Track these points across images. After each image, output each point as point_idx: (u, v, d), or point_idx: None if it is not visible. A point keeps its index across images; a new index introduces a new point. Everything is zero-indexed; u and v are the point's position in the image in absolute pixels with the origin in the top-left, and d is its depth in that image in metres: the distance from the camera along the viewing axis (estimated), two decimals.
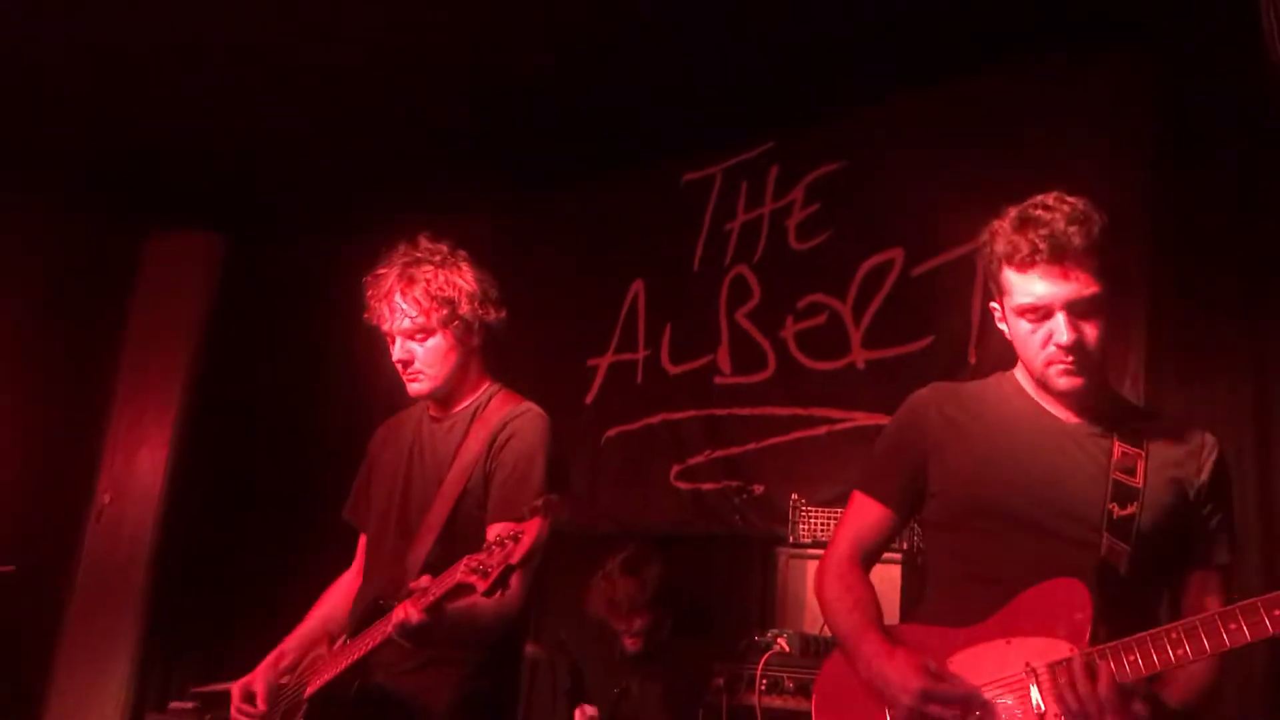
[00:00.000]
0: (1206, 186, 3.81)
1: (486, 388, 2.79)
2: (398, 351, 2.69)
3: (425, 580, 2.26)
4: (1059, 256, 2.09)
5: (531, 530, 2.11)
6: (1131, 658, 1.90)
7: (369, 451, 2.98)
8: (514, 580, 2.23)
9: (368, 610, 2.53)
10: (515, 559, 2.09)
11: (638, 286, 5.50)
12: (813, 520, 4.02)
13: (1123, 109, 4.08)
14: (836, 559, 2.35)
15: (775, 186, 5.12)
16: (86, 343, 6.23)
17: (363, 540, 2.93)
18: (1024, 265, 2.12)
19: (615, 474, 5.29)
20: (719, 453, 4.98)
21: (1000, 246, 2.17)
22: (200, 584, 5.78)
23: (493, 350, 2.84)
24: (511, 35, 4.50)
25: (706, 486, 4.99)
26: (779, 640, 3.49)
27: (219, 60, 4.72)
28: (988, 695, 2.03)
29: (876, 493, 2.38)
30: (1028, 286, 2.12)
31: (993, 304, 2.27)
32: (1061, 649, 1.97)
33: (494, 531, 2.52)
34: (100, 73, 4.88)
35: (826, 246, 4.89)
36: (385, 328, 2.71)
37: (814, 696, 2.32)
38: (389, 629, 2.28)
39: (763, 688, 3.32)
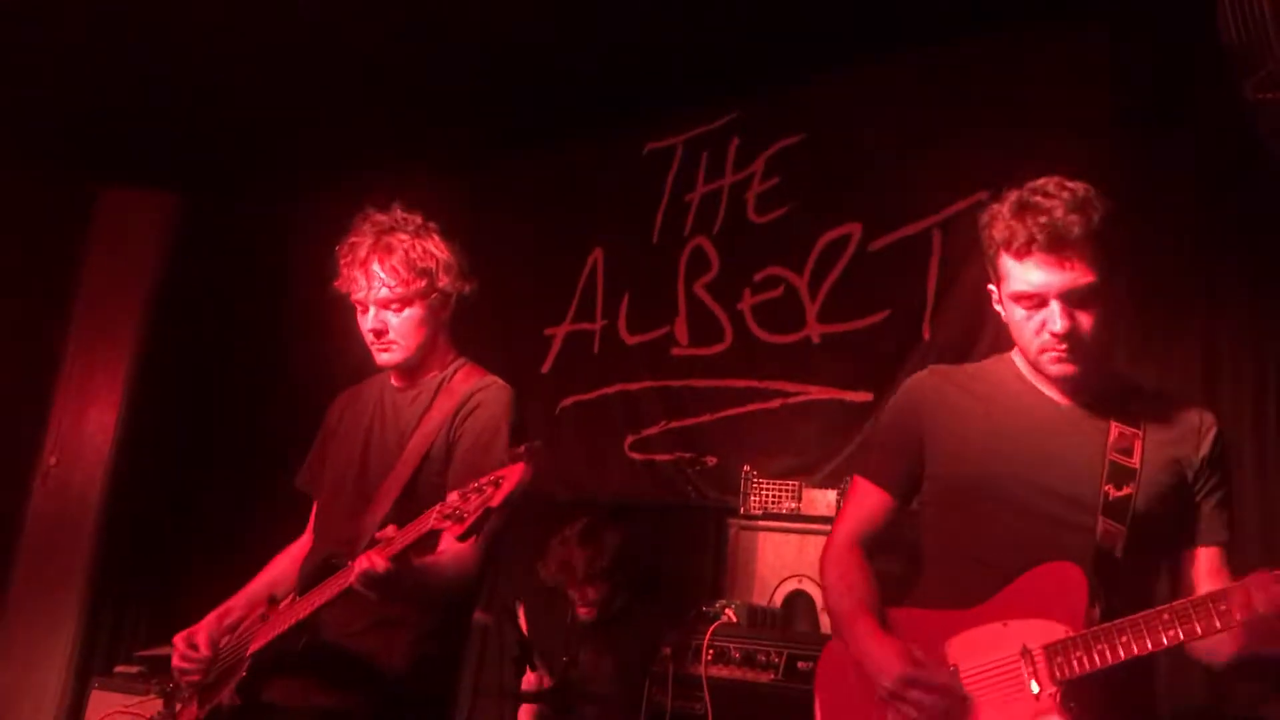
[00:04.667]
0: (1164, 161, 3.84)
1: (453, 360, 2.78)
2: (371, 321, 2.66)
3: (390, 530, 2.24)
4: (1056, 245, 2.07)
5: (514, 475, 2.07)
6: (1125, 639, 1.92)
7: (325, 422, 2.95)
8: (471, 542, 2.20)
9: (318, 568, 2.50)
10: (495, 502, 2.05)
11: (596, 255, 5.48)
12: (764, 492, 4.03)
13: (1082, 83, 4.10)
14: (837, 545, 2.37)
15: (736, 158, 5.11)
16: (35, 301, 6.11)
17: (315, 508, 2.90)
18: (1021, 252, 2.11)
19: (570, 443, 5.28)
20: (674, 424, 4.99)
21: (998, 232, 2.15)
22: (148, 548, 5.71)
23: (458, 322, 2.82)
24: None
25: (660, 457, 5.00)
26: (727, 611, 3.50)
27: (174, 11, 4.62)
28: (982, 676, 2.06)
29: (876, 477, 2.39)
30: (1023, 274, 2.11)
31: (990, 286, 2.27)
32: (1057, 631, 2.00)
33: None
34: (51, 24, 4.77)
35: (785, 219, 4.89)
36: (358, 296, 2.67)
37: (815, 677, 2.37)
38: (350, 579, 2.25)
39: (709, 658, 3.33)
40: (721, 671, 3.32)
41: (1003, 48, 4.35)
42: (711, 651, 3.33)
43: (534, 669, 4.01)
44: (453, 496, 2.15)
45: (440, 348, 2.76)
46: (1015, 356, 2.32)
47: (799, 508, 3.96)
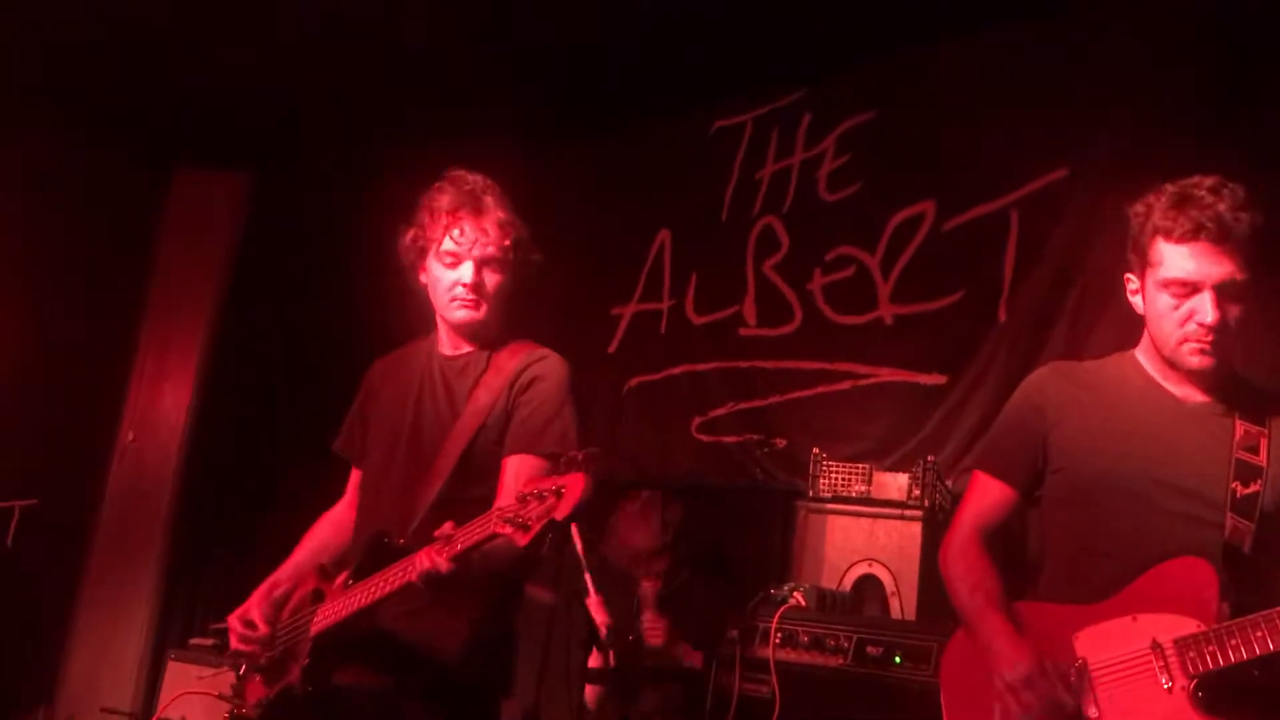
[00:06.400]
0: (1264, 136, 3.70)
1: (502, 331, 2.76)
2: (469, 274, 2.61)
3: (449, 527, 2.22)
4: (1220, 237, 2.12)
5: (576, 486, 2.04)
6: (1260, 634, 1.92)
7: (364, 385, 2.95)
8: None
9: (374, 548, 2.50)
10: (560, 516, 2.02)
11: (664, 235, 5.44)
12: (834, 475, 3.97)
13: (1166, 59, 3.97)
14: (960, 538, 2.40)
15: (807, 136, 5.04)
16: (113, 280, 6.23)
17: (355, 474, 2.90)
18: (1183, 239, 2.15)
19: (636, 423, 5.27)
20: (741, 405, 4.95)
21: (1158, 219, 2.19)
22: (222, 521, 5.80)
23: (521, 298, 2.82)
24: None
25: (728, 439, 4.96)
26: (795, 594, 3.45)
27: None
28: (1112, 671, 2.07)
29: (997, 471, 2.42)
30: (1182, 261, 2.15)
31: (1128, 275, 2.31)
32: (1189, 625, 2.01)
33: (512, 467, 2.51)
34: (131, 8, 4.84)
35: (857, 198, 4.81)
36: (450, 248, 2.62)
37: (940, 669, 2.43)
38: (412, 576, 2.25)
39: (777, 641, 3.29)
40: (789, 655, 3.27)
41: (1083, 23, 4.23)
42: (779, 635, 3.29)
43: (601, 650, 4.01)
44: (510, 499, 2.12)
45: (502, 316, 2.75)
46: (1140, 355, 2.35)
47: (869, 491, 3.89)
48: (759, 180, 5.15)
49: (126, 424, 6.15)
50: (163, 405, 6.13)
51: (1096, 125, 4.06)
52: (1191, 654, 1.98)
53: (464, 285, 2.61)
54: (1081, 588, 2.21)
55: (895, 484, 3.87)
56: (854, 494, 3.90)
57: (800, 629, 3.29)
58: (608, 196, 5.68)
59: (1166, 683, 1.99)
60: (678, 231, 5.41)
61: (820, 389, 4.70)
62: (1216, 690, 1.96)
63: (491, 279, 2.63)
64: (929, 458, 3.86)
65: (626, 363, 5.41)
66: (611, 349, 5.49)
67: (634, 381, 5.35)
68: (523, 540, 2.06)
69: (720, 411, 5.00)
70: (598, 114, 5.52)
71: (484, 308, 2.64)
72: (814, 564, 3.87)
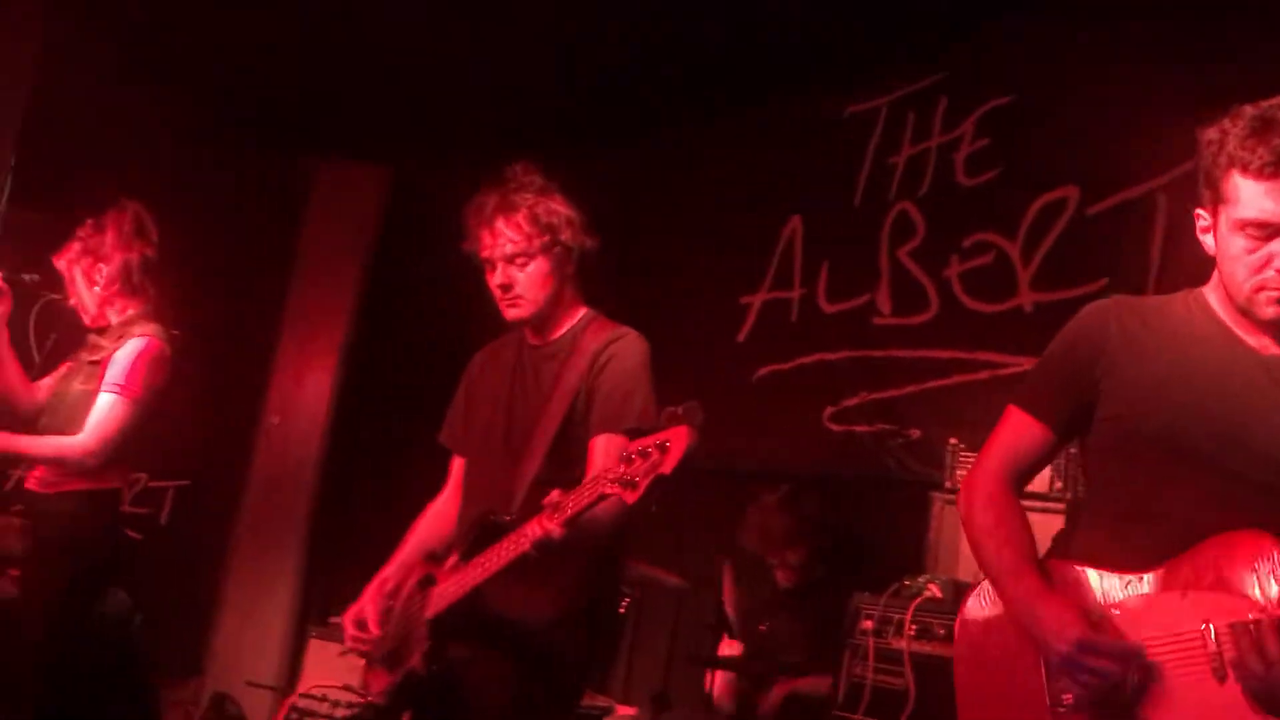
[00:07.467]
0: None
1: (582, 314, 2.83)
2: (498, 277, 2.73)
3: (557, 495, 2.28)
4: None
5: (680, 438, 2.06)
6: None
7: (465, 377, 3.05)
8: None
9: (477, 527, 2.56)
10: (666, 469, 2.05)
11: (795, 222, 5.37)
12: (970, 466, 3.87)
13: None
14: (986, 480, 2.13)
15: (943, 119, 4.91)
16: (258, 270, 6.47)
17: (458, 463, 2.99)
18: (1262, 174, 1.84)
19: (766, 414, 5.22)
20: (874, 395, 4.85)
21: (1234, 148, 1.89)
22: (362, 503, 5.96)
23: (585, 277, 2.87)
24: None
25: (860, 429, 4.88)
26: (930, 585, 3.38)
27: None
28: (1155, 652, 1.82)
29: (1037, 409, 2.12)
30: (1259, 199, 1.86)
31: (1199, 210, 2.02)
32: (1246, 608, 1.75)
33: (599, 446, 2.58)
34: (278, 14, 5.02)
35: (996, 183, 4.67)
36: (485, 254, 2.74)
37: (956, 635, 2.15)
38: (525, 546, 2.30)
39: (912, 633, 3.23)
40: (924, 647, 3.22)
41: (1231, 4, 4.03)
42: (915, 626, 3.23)
43: (732, 636, 4.01)
44: (612, 461, 2.16)
45: (567, 301, 2.81)
46: (1209, 294, 2.06)
47: None
48: (893, 165, 5.04)
49: (271, 408, 6.39)
50: (306, 390, 6.35)
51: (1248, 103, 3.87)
52: (1247, 642, 1.71)
53: (499, 288, 2.73)
54: (1126, 552, 1.92)
55: (1037, 475, 3.75)
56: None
57: (936, 621, 3.23)
58: (737, 184, 5.63)
59: (1219, 672, 1.73)
60: (809, 218, 5.33)
61: (956, 379, 4.59)
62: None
63: (524, 274, 2.71)
64: (1071, 449, 3.73)
65: (756, 352, 5.36)
66: (741, 337, 5.45)
67: (763, 371, 5.30)
68: (632, 498, 2.09)
69: (852, 401, 4.92)
70: (727, 100, 5.49)
71: (526, 303, 2.73)
72: (949, 556, 3.78)
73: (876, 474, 4.71)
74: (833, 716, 3.31)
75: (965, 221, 4.71)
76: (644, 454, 2.09)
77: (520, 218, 2.70)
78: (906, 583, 3.44)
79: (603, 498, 2.18)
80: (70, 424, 3.59)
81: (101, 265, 3.74)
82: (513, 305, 2.74)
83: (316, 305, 6.50)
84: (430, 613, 2.57)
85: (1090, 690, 1.83)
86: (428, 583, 2.66)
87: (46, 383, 3.87)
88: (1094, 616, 1.89)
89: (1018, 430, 2.14)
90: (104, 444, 3.54)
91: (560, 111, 5.54)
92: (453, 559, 2.63)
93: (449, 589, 2.55)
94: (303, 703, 4.77)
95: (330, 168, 6.57)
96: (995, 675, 2.02)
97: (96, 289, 3.76)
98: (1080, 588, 1.96)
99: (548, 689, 2.60)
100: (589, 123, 5.22)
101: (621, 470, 2.11)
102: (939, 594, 3.35)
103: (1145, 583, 1.90)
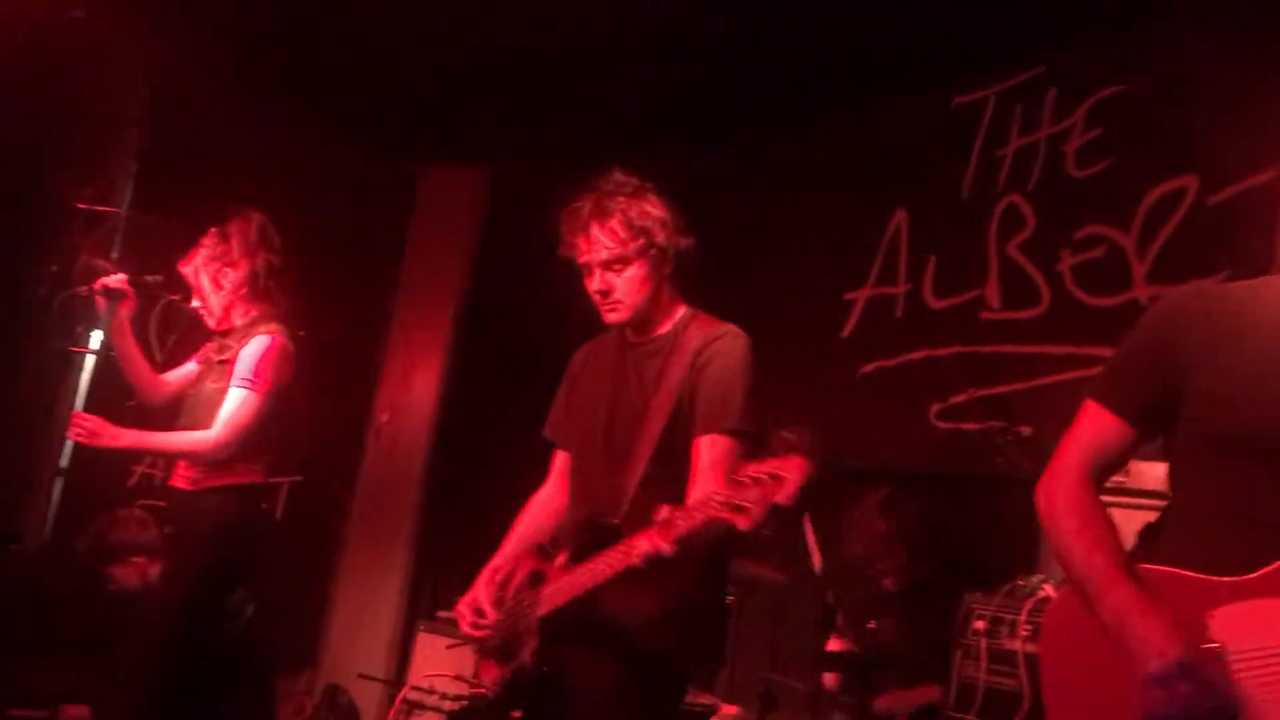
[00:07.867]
0: None
1: (682, 313, 2.83)
2: (596, 282, 2.74)
3: (667, 511, 2.28)
4: None
5: (796, 471, 2.05)
6: None
7: (568, 372, 3.07)
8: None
9: (586, 530, 2.59)
10: (782, 499, 2.04)
11: (900, 217, 5.30)
12: None
13: None
14: (1068, 477, 2.03)
15: (1053, 110, 4.79)
16: (367, 273, 6.62)
17: (561, 456, 3.02)
18: None
19: (872, 411, 5.16)
20: (983, 391, 4.76)
21: None
22: (469, 500, 6.04)
23: (687, 276, 2.86)
24: None
25: (968, 426, 4.79)
26: (1044, 585, 3.31)
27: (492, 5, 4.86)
28: (1255, 665, 1.72)
29: (1116, 405, 2.01)
30: None
31: None
32: None
33: (704, 447, 2.59)
34: (383, 14, 5.12)
35: (1109, 174, 4.55)
36: (582, 260, 2.75)
37: (1042, 639, 2.06)
38: (635, 560, 2.32)
39: (1026, 633, 3.17)
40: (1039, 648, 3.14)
41: None
42: (1029, 627, 3.16)
43: (839, 634, 3.97)
44: (721, 483, 2.16)
45: (666, 301, 2.81)
46: None
47: (1125, 481, 3.67)
48: (1002, 157, 4.94)
49: (380, 407, 6.53)
50: (413, 389, 6.48)
51: None
52: None
53: (597, 293, 2.74)
54: (1219, 556, 1.81)
55: (1153, 474, 3.63)
56: (1109, 484, 3.69)
57: None
58: (841, 178, 5.58)
59: None
60: (915, 212, 5.26)
61: (1069, 374, 4.47)
62: None
63: (621, 279, 2.72)
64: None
65: (861, 348, 5.30)
66: (845, 333, 5.40)
67: (869, 367, 5.24)
68: (745, 524, 2.08)
69: (960, 398, 4.84)
70: (830, 94, 5.43)
71: (625, 307, 2.74)
72: None
73: (985, 472, 4.62)
74: (945, 717, 3.26)
75: (1077, 214, 4.60)
76: (756, 480, 2.08)
77: (614, 223, 2.70)
78: (1020, 583, 3.38)
79: (715, 521, 2.17)
80: (205, 422, 3.74)
81: (228, 270, 3.88)
82: (612, 310, 2.76)
83: (423, 306, 6.63)
84: (541, 611, 2.61)
85: (1183, 709, 1.75)
86: (538, 579, 2.69)
87: (173, 376, 4.02)
88: (1191, 627, 1.80)
89: (1096, 424, 2.05)
90: (235, 435, 3.67)
91: (661, 112, 5.55)
92: (562, 558, 2.66)
93: (560, 590, 2.57)
94: (413, 694, 4.87)
95: (434, 170, 6.69)
96: (1085, 680, 1.95)
97: (223, 294, 3.89)
98: (1173, 593, 1.86)
99: (653, 689, 2.62)
100: (691, 121, 5.21)
101: (729, 495, 2.11)
102: (1053, 594, 3.27)
103: (1242, 588, 1.80)
